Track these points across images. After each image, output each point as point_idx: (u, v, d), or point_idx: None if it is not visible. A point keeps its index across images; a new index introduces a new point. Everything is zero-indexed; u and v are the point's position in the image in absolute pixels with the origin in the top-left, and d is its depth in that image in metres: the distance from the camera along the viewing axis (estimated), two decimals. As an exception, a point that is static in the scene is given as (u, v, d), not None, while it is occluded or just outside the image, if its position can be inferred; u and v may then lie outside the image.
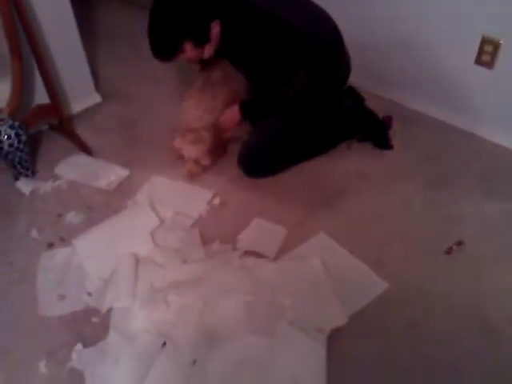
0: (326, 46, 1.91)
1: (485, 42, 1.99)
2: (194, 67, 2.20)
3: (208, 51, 1.82)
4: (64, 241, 1.76)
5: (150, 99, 2.56)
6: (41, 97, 2.19)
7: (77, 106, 2.46)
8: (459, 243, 1.72)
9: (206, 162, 2.02)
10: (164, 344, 1.40)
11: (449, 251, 1.69)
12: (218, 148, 2.07)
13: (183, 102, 2.08)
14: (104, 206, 1.90)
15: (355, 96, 2.14)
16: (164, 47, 1.77)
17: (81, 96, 2.46)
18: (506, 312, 1.53)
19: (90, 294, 1.57)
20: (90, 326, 1.49)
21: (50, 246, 1.75)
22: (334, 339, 1.43)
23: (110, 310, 1.51)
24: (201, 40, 1.77)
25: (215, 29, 1.76)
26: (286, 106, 1.92)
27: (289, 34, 1.78)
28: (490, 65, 2.03)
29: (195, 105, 2.03)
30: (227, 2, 1.77)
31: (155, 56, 1.78)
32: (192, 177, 2.02)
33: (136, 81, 2.70)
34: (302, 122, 1.99)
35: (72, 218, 1.86)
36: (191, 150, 1.99)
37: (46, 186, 2.00)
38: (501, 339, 1.46)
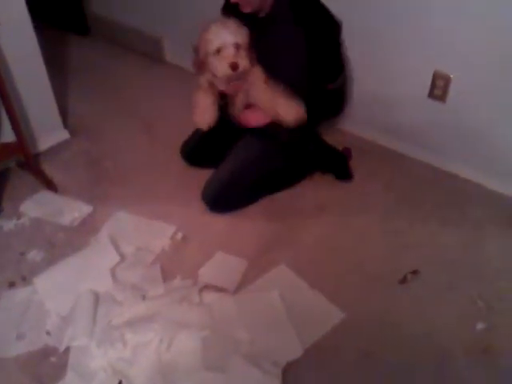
0: None
1: (436, 76, 2.08)
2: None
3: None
4: (25, 280, 1.77)
5: (119, 135, 2.58)
6: (6, 134, 2.20)
7: (44, 142, 2.47)
8: (414, 272, 1.76)
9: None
10: (120, 383, 1.41)
11: (403, 281, 1.74)
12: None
13: None
14: (67, 244, 1.91)
15: (315, 134, 2.21)
16: None
17: (48, 133, 2.47)
18: (460, 340, 1.56)
19: (48, 333, 1.57)
20: (48, 366, 1.49)
21: (12, 285, 1.75)
22: (290, 371, 1.45)
23: (68, 349, 1.52)
24: None
25: None
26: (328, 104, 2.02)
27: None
28: (442, 98, 2.11)
29: None
30: None
31: None
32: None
33: (105, 117, 2.73)
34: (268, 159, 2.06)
35: (34, 256, 1.87)
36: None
37: (10, 224, 2.01)
38: (456, 368, 1.49)
